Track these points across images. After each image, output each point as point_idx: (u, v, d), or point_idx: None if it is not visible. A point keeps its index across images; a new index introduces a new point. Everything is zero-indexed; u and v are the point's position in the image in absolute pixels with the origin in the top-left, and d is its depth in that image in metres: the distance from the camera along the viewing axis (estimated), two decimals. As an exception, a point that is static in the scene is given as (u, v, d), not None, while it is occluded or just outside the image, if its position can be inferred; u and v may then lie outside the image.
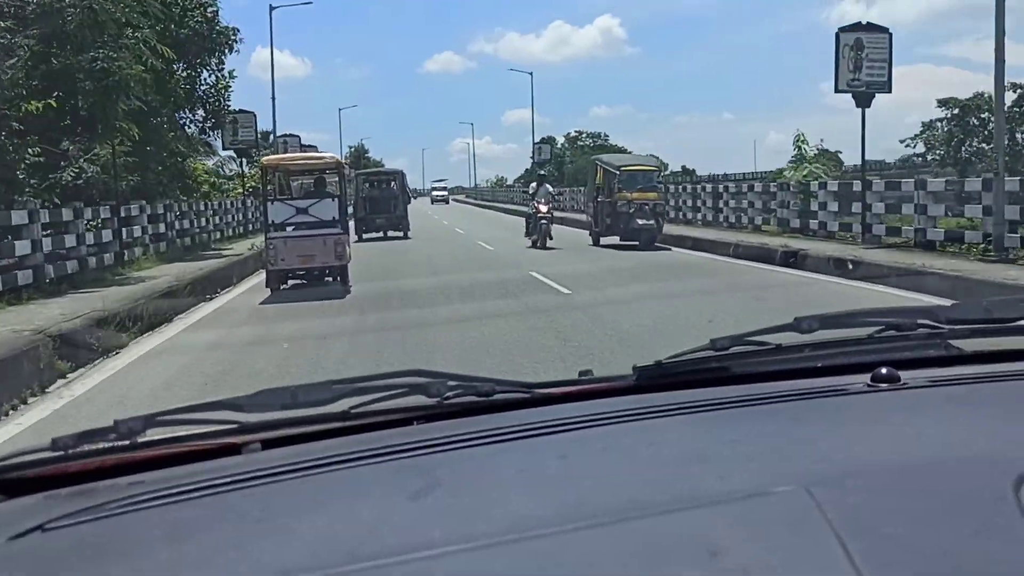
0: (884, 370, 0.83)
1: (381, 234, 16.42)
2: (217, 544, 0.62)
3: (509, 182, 51.77)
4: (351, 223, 13.10)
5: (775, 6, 72.99)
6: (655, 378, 0.90)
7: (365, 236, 16.20)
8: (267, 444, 0.83)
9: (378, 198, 17.26)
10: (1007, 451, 0.64)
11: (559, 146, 62.49)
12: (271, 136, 24.33)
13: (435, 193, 49.86)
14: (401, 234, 16.49)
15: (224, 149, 18.10)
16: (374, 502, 0.69)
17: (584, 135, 60.42)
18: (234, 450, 0.82)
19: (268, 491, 0.72)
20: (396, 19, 78.69)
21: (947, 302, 1.11)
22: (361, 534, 0.62)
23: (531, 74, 53.04)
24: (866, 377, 0.84)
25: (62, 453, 0.78)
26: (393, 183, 17.80)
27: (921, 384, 0.84)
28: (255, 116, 17.21)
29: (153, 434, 0.81)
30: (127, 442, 0.79)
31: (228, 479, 0.73)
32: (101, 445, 0.80)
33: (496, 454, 0.77)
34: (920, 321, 0.92)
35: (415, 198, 24.45)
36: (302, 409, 0.84)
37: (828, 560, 0.50)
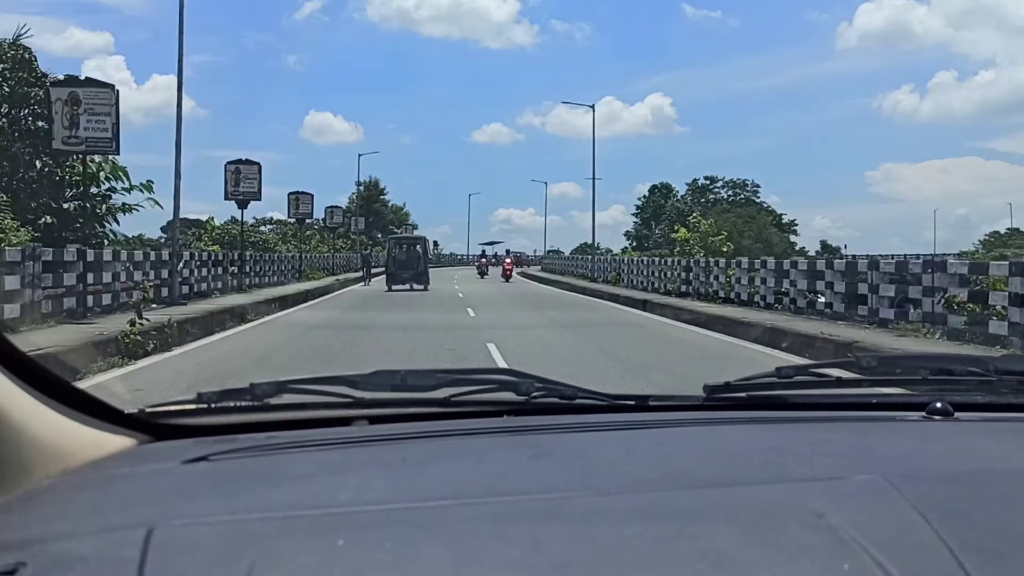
0: (939, 404, 1.01)
1: (407, 287, 23.00)
2: (368, 479, 0.78)
3: (566, 254, 52.13)
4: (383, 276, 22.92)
5: (826, 94, 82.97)
6: (723, 398, 1.07)
7: (394, 288, 22.83)
8: (375, 420, 1.01)
9: (405, 258, 24.43)
10: None
11: (677, 196, 56.05)
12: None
13: (482, 260, 36.40)
14: (422, 287, 22.92)
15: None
16: (497, 460, 0.85)
17: (720, 182, 54.33)
18: (345, 422, 0.99)
19: (398, 447, 0.89)
20: (446, 90, 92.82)
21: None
22: (493, 478, 0.78)
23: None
24: (921, 413, 1.01)
25: (206, 406, 0.98)
26: (418, 246, 25.10)
27: (973, 420, 1.01)
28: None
29: (282, 399, 1.00)
30: (260, 402, 0.99)
31: (356, 439, 0.91)
32: (240, 403, 0.99)
33: (593, 439, 0.94)
34: (970, 368, 1.11)
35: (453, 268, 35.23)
36: (409, 392, 1.03)
37: (914, 527, 0.63)
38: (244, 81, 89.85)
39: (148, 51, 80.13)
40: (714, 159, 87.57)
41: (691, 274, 15.82)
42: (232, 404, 0.99)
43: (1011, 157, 71.56)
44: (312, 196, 28.44)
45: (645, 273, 19.68)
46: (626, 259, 21.29)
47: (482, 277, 32.16)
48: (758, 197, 57.69)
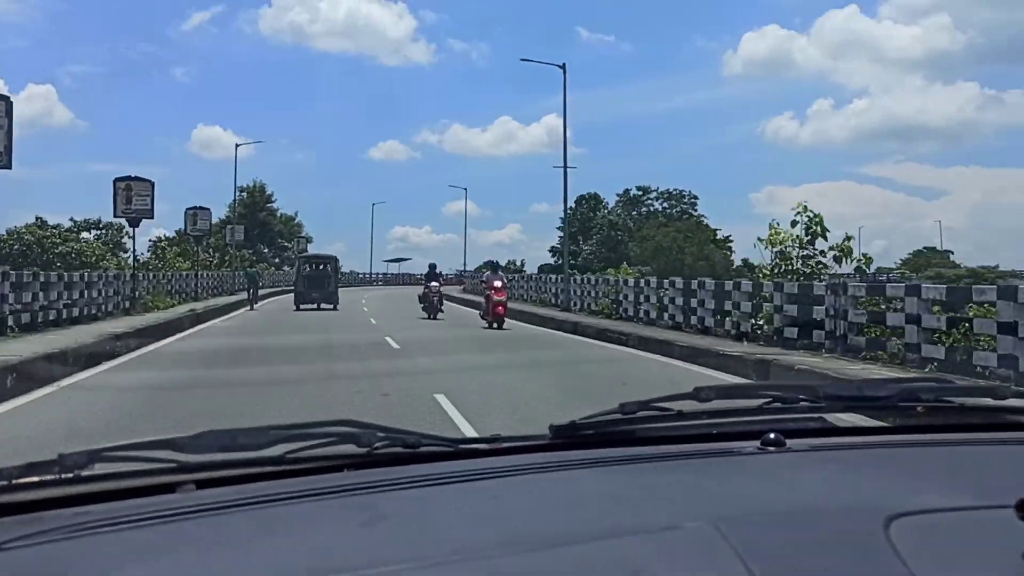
0: (772, 435, 1.16)
1: (316, 306, 24.29)
2: (180, 563, 0.79)
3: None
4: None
5: (714, 119, 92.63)
6: (568, 437, 1.18)
7: (302, 307, 24.22)
8: (203, 484, 1.02)
9: (316, 278, 26.08)
10: (877, 500, 0.93)
11: (607, 208, 59.18)
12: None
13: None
14: (332, 307, 24.52)
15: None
16: (324, 530, 0.88)
17: (653, 193, 58.79)
18: (169, 488, 1.00)
19: (216, 520, 0.90)
20: (341, 106, 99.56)
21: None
22: (318, 555, 0.81)
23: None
24: (756, 442, 1.16)
25: (7, 483, 0.95)
26: (328, 266, 27.03)
27: (804, 449, 1.17)
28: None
29: (96, 469, 0.98)
30: (70, 475, 0.97)
31: (173, 511, 0.91)
32: (45, 477, 0.97)
33: (432, 495, 0.99)
34: (801, 396, 1.27)
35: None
36: (240, 452, 1.04)
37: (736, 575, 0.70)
38: (128, 92, 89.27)
39: (24, 59, 79.05)
40: (609, 179, 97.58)
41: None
42: (36, 479, 0.98)
43: (882, 182, 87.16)
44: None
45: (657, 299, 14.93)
46: (631, 282, 16.80)
47: (432, 318, 19.13)
48: (695, 209, 59.41)
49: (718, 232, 53.91)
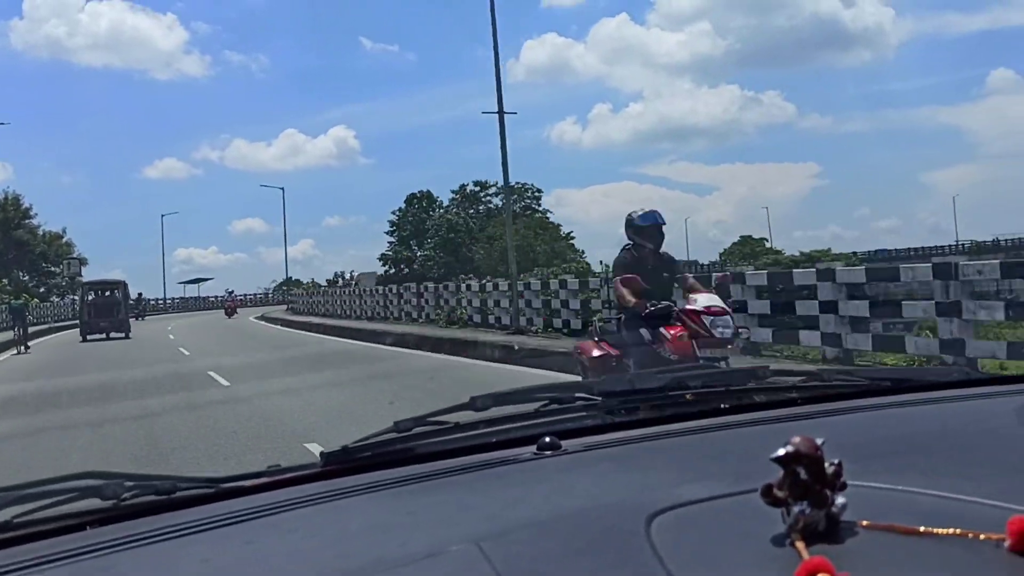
0: (547, 439, 1.25)
1: (105, 336, 24.81)
2: None
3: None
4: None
5: (493, 130, 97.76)
6: (341, 462, 1.22)
7: (89, 337, 24.65)
8: None
9: (102, 304, 26.85)
10: (642, 497, 1.01)
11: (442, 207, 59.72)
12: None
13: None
14: (123, 335, 25.26)
15: None
16: None
17: (492, 188, 58.63)
18: None
19: None
20: (111, 124, 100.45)
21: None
22: None
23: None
24: (533, 447, 1.24)
25: None
26: (116, 291, 28.02)
27: (578, 449, 1.26)
28: None
29: None
30: None
31: None
32: None
33: (179, 547, 0.98)
34: (578, 395, 1.38)
35: (140, 319, 36.11)
36: None
37: None
38: None
39: None
40: (403, 188, 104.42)
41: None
42: None
43: (658, 181, 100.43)
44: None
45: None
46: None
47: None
48: (539, 204, 61.37)
49: (561, 228, 56.28)
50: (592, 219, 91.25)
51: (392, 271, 55.10)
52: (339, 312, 30.01)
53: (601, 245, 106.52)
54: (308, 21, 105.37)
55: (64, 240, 52.80)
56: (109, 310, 27.09)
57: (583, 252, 53.25)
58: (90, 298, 27.57)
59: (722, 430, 1.36)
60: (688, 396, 1.44)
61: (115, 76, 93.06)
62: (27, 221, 49.95)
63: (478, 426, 1.31)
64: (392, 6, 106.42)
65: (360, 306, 27.17)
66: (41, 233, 51.55)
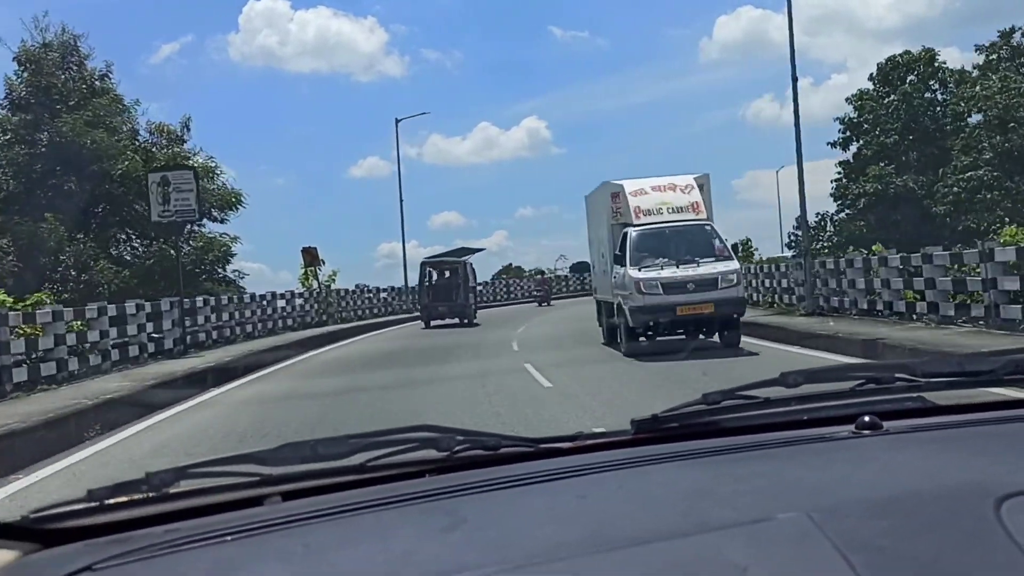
0: (867, 418, 1.27)
1: (455, 320, 25.29)
2: (266, 574, 0.94)
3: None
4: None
5: (693, 106, 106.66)
6: (652, 431, 1.36)
7: (433, 324, 25.20)
8: (288, 496, 1.18)
9: (441, 286, 26.79)
10: (985, 480, 1.00)
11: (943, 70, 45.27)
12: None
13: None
14: (464, 322, 25.14)
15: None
16: (406, 537, 1.03)
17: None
18: (256, 502, 1.17)
19: (301, 532, 1.05)
20: (318, 127, 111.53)
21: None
22: (400, 560, 0.94)
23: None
24: (850, 427, 1.28)
25: (97, 504, 1.11)
26: (457, 270, 27.06)
27: (901, 431, 1.27)
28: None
29: (183, 486, 1.16)
30: (158, 493, 1.14)
31: (259, 524, 1.07)
32: (135, 496, 1.13)
33: (514, 496, 1.14)
34: (898, 375, 1.37)
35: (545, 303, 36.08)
36: (321, 462, 1.19)
37: (837, 572, 0.77)
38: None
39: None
40: (595, 177, 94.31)
41: None
42: (126, 499, 1.15)
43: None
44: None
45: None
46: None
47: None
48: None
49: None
50: (789, 200, 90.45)
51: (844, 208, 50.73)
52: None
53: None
54: (500, 14, 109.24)
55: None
56: (448, 293, 26.53)
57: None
58: (428, 280, 27.36)
59: None
60: None
61: (322, 80, 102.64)
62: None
63: (790, 402, 1.38)
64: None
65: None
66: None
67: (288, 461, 1.21)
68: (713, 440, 1.34)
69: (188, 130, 32.01)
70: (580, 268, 47.25)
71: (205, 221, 29.48)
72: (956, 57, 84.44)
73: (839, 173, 43.14)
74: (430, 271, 27.72)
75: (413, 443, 1.26)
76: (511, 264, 67.08)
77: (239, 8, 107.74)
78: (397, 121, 35.77)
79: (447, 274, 27.46)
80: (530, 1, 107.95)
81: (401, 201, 35.72)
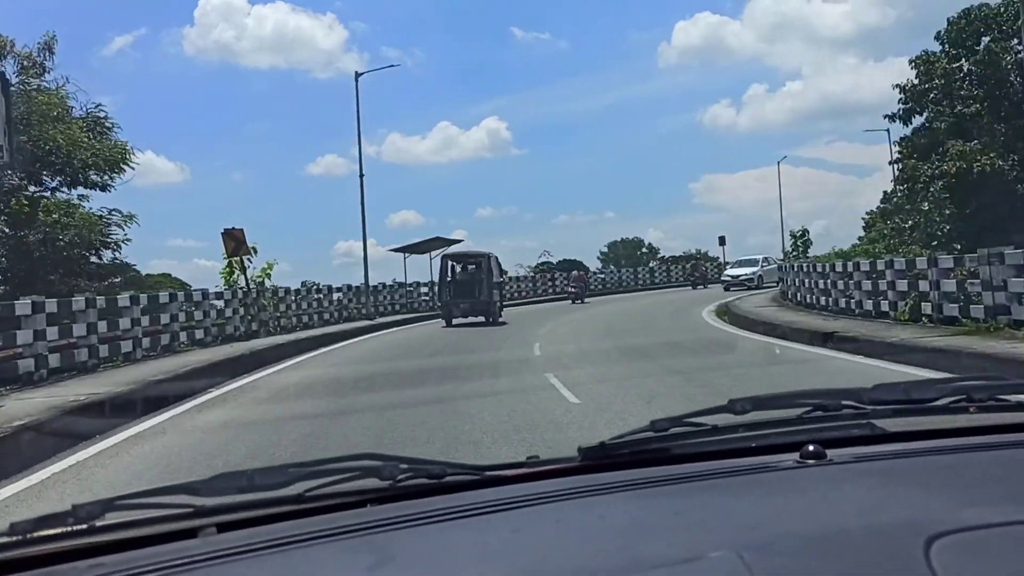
0: (811, 447, 1.54)
1: (481, 318, 26.90)
2: None
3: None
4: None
5: (651, 110, 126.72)
6: (599, 459, 1.61)
7: (455, 322, 26.90)
8: (223, 527, 1.31)
9: (463, 282, 28.77)
10: (919, 518, 1.19)
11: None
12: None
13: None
14: (488, 320, 26.90)
15: None
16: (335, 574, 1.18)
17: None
18: (190, 534, 1.30)
19: (229, 569, 1.18)
20: (276, 123, 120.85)
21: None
22: None
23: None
24: (795, 455, 1.55)
25: (20, 537, 1.24)
26: (481, 264, 29.31)
27: (845, 460, 1.54)
28: None
29: (111, 518, 1.28)
30: (85, 526, 1.26)
31: (189, 559, 1.19)
32: (60, 529, 1.25)
33: (449, 530, 1.30)
34: (845, 402, 1.64)
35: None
36: (258, 493, 1.35)
37: None
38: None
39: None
40: (554, 179, 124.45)
41: None
42: (51, 532, 1.28)
43: (815, 163, 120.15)
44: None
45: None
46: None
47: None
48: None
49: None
50: (744, 204, 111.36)
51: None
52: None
53: (753, 231, 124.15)
54: (461, 14, 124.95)
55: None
56: (471, 289, 28.54)
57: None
58: (450, 276, 29.34)
59: (1011, 448, 1.56)
60: (971, 410, 1.65)
61: (280, 77, 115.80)
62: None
63: (737, 430, 1.67)
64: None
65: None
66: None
67: (223, 491, 1.37)
68: (659, 468, 1.60)
69: (51, 55, 28.03)
70: (565, 267, 53.89)
71: (85, 190, 27.25)
72: (909, 68, 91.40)
73: (900, 152, 41.17)
74: (452, 265, 29.80)
75: (355, 472, 1.45)
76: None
77: (194, 2, 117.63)
78: (357, 76, 36.12)
79: (471, 268, 29.57)
80: (492, 2, 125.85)
81: (361, 177, 36.16)
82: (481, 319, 27.32)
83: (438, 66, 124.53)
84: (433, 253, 41.31)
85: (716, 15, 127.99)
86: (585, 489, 1.50)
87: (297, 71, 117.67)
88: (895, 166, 42.29)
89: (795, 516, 1.31)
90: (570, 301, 40.50)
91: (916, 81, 39.12)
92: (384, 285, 38.88)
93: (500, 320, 27.92)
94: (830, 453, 1.57)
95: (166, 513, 1.35)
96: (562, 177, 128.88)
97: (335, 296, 32.88)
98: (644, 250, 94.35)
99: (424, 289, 39.92)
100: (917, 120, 39.55)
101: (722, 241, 59.06)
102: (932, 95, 38.84)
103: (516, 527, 1.35)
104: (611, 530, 1.33)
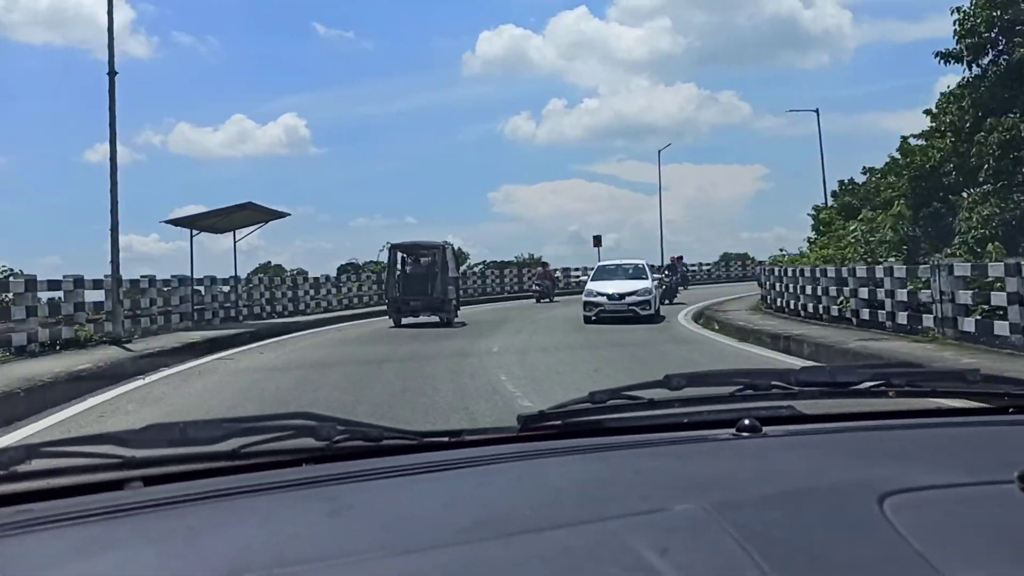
0: (747, 421, 1.58)
1: (435, 318, 24.57)
2: (126, 559, 1.01)
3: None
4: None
5: (454, 118, 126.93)
6: (537, 428, 1.63)
7: (404, 321, 24.69)
8: (151, 480, 1.29)
9: (415, 276, 25.94)
10: (868, 478, 1.23)
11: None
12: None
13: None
14: (442, 320, 24.41)
15: None
16: (289, 521, 1.14)
17: None
18: (116, 485, 1.27)
19: (166, 515, 1.16)
20: (49, 104, 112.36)
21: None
22: (282, 543, 1.04)
23: None
24: (731, 430, 1.59)
25: None
26: (435, 256, 26.18)
27: (780, 435, 1.59)
28: None
29: (34, 465, 1.25)
30: (6, 471, 1.24)
31: (120, 507, 1.16)
32: None
33: (395, 486, 1.28)
34: (774, 382, 1.69)
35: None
36: (190, 447, 1.32)
37: (735, 560, 0.94)
38: None
39: None
40: (353, 180, 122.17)
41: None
42: None
43: (607, 179, 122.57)
44: None
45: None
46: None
47: None
48: None
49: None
50: (540, 215, 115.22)
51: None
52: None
53: (549, 241, 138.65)
54: (261, 3, 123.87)
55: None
56: (422, 284, 25.26)
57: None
58: (400, 268, 26.05)
59: (930, 429, 1.63)
60: (891, 394, 1.71)
61: (55, 54, 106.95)
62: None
63: (672, 404, 1.71)
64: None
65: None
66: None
67: (153, 443, 1.34)
68: (598, 438, 1.63)
69: None
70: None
71: None
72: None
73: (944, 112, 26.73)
74: (401, 257, 26.63)
75: (290, 430, 1.44)
76: (270, 262, 73.14)
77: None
78: (112, 75, 28.81)
79: (423, 260, 26.42)
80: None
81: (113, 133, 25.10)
82: (435, 319, 24.77)
83: (234, 56, 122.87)
84: (246, 231, 29.38)
85: (520, 28, 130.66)
86: (530, 452, 1.52)
87: (76, 50, 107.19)
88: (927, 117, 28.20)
89: (747, 477, 1.35)
90: (535, 300, 37.36)
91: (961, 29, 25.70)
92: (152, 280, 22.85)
93: (457, 320, 25.27)
94: (764, 429, 1.62)
95: (92, 463, 1.33)
96: (362, 179, 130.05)
97: (41, 298, 16.97)
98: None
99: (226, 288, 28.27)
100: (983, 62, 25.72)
101: (597, 241, 47.16)
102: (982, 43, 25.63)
103: (464, 483, 1.37)
104: (564, 487, 1.34)
